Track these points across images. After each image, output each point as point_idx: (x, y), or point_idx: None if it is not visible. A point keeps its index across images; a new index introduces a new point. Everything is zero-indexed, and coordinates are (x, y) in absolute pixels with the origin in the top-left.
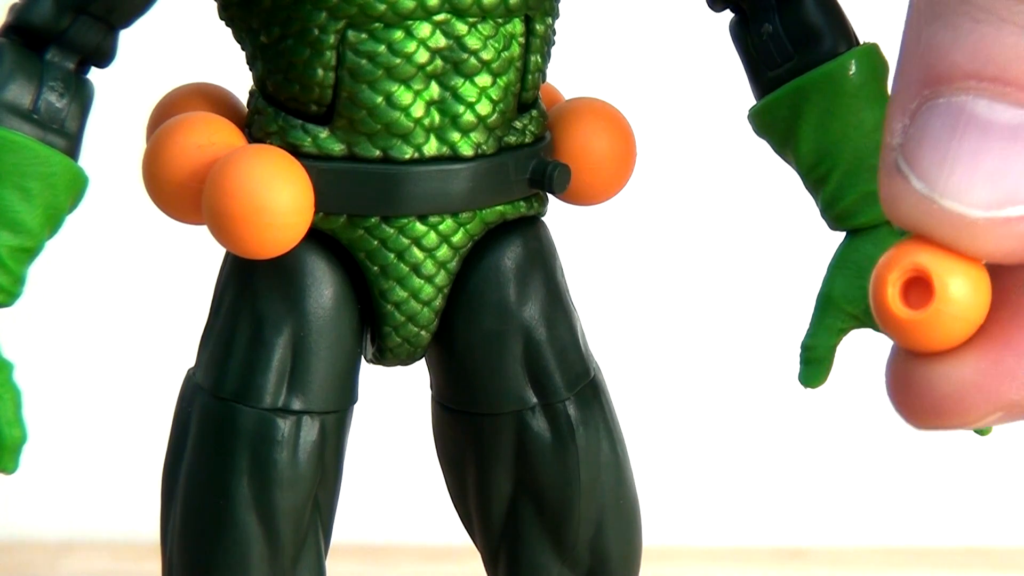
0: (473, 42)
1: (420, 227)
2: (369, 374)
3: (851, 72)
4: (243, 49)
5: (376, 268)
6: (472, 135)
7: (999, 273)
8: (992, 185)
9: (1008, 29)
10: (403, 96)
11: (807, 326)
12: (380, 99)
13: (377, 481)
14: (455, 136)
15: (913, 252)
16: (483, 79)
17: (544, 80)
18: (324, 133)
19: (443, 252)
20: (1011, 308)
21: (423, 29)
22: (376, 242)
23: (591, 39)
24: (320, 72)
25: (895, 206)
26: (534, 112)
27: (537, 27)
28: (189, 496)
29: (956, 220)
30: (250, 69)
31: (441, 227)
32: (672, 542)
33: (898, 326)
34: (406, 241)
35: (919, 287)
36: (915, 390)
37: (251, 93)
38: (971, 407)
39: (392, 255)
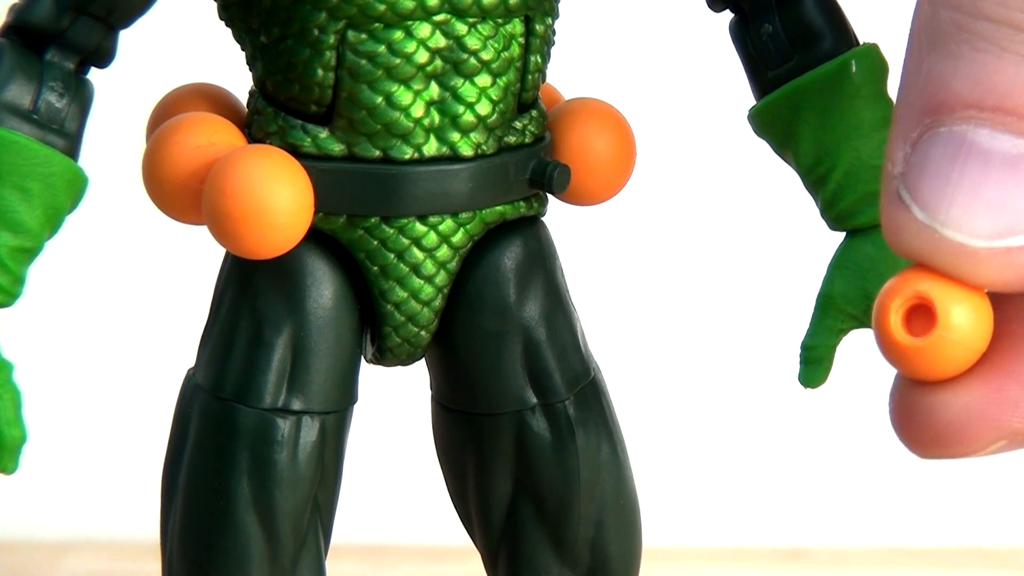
0: (473, 42)
1: (420, 227)
2: (369, 374)
3: (851, 72)
4: (243, 49)
5: (376, 268)
6: (472, 135)
7: (1001, 302)
8: (993, 215)
9: (1009, 59)
10: (403, 96)
11: (807, 326)
12: (380, 99)
13: (377, 481)
14: (455, 136)
15: (916, 280)
16: (483, 79)
17: (544, 80)
18: (324, 133)
19: (443, 252)
20: (1013, 337)
21: (423, 29)
22: (376, 242)
23: (591, 39)
24: (320, 72)
25: (897, 236)
26: (534, 112)
27: (537, 27)
28: (189, 496)
29: (958, 250)
30: (250, 69)
31: (441, 227)
32: (672, 542)
33: (901, 353)
34: (406, 241)
35: (922, 315)
36: (918, 419)
37: (251, 93)
38: (974, 436)
39: (392, 255)
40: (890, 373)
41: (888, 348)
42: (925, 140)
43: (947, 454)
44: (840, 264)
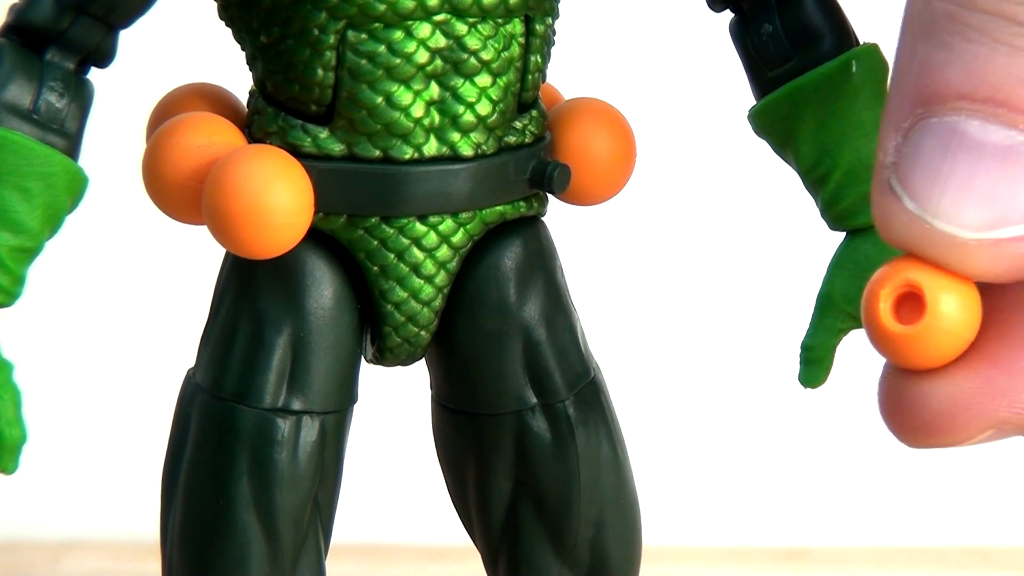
0: (473, 42)
1: (420, 227)
2: (369, 374)
3: (851, 72)
4: (243, 49)
5: (376, 268)
6: (472, 135)
7: (990, 292)
8: (984, 206)
9: (1001, 50)
10: (403, 96)
11: (807, 326)
12: (380, 99)
13: (377, 481)
14: (455, 136)
15: (906, 268)
16: (483, 79)
17: (544, 80)
18: (324, 133)
19: (443, 252)
20: (1001, 327)
21: (423, 29)
22: (376, 242)
23: (591, 39)
24: (320, 72)
25: (887, 225)
26: (534, 112)
27: (537, 27)
28: (189, 496)
29: (947, 241)
30: (250, 69)
31: (441, 227)
32: (672, 542)
33: (889, 341)
34: (406, 241)
35: (911, 303)
36: (906, 408)
37: (251, 93)
38: (962, 425)
39: (392, 255)
40: None
41: (877, 336)
42: (917, 130)
43: (935, 443)
44: (840, 264)
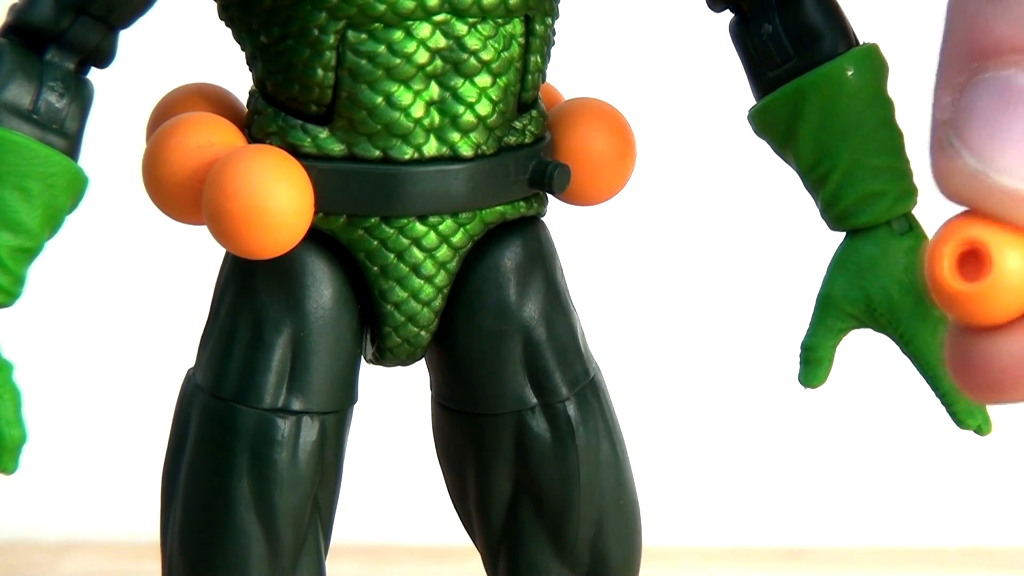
0: (473, 42)
1: (420, 227)
2: (369, 374)
3: (850, 72)
4: (243, 49)
5: (376, 268)
6: (472, 135)
7: None
8: None
9: None
10: (403, 96)
11: (807, 326)
12: (380, 99)
13: (377, 481)
14: (455, 136)
15: (968, 225)
16: (483, 79)
17: (544, 80)
18: (324, 133)
19: (443, 252)
20: None
21: (423, 29)
22: (376, 242)
23: (591, 39)
24: (320, 72)
25: (948, 182)
26: (534, 112)
27: (537, 27)
28: (189, 496)
29: (1010, 194)
30: (250, 69)
31: (441, 227)
32: (672, 542)
33: (953, 299)
34: (406, 241)
35: (973, 260)
36: (974, 364)
37: (251, 93)
38: None
39: (392, 255)
40: (891, 375)
41: (939, 294)
42: (972, 85)
43: (1004, 399)
44: (840, 264)
